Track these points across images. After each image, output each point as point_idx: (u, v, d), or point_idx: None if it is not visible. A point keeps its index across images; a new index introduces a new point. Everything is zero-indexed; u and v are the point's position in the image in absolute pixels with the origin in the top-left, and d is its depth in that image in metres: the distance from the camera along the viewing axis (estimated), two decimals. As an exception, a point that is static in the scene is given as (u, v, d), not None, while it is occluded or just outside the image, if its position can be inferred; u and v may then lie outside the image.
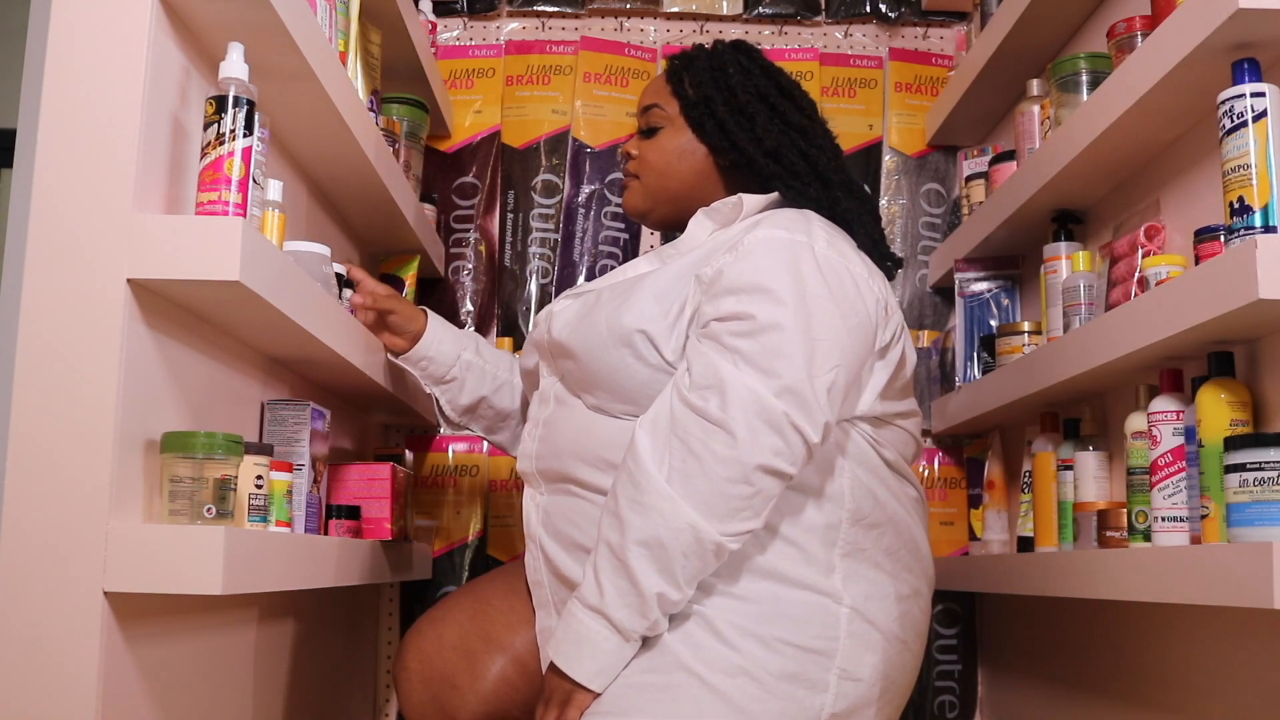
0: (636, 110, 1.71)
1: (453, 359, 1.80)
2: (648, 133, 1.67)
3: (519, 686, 1.64)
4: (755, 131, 1.58)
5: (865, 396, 1.46)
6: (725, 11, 2.53)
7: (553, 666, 1.39)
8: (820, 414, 1.34)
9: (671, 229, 1.70)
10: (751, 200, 1.54)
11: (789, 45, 2.52)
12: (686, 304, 1.45)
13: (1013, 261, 2.20)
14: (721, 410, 1.33)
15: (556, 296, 1.72)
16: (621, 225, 2.45)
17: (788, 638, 1.36)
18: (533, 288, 2.41)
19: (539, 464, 1.56)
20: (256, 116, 1.25)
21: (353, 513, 1.70)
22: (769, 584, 1.39)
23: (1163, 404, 1.43)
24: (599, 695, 1.36)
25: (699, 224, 1.58)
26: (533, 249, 2.43)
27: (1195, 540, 1.36)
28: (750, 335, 1.36)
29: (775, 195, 1.57)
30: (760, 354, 1.35)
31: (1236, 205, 1.26)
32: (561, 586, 1.50)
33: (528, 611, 1.63)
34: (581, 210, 2.45)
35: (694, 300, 1.45)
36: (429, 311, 1.81)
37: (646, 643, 1.38)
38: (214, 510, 1.19)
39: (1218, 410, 1.32)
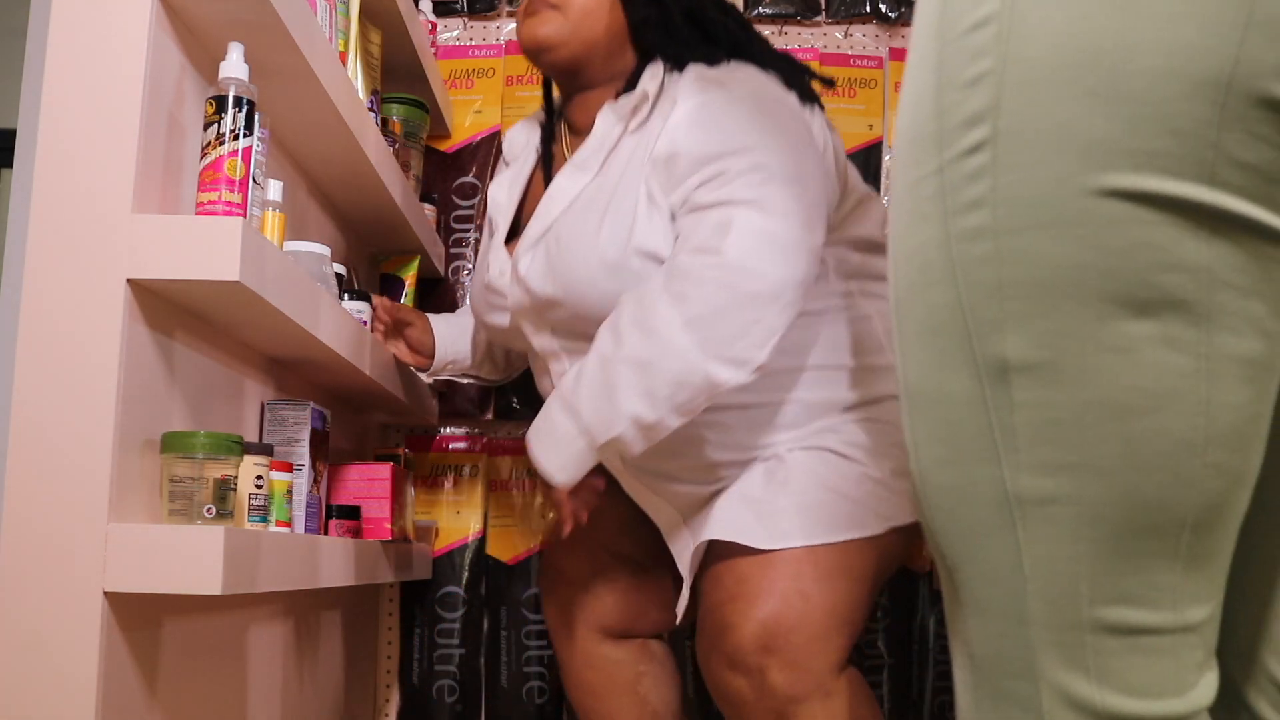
0: None
1: (468, 347, 1.88)
2: None
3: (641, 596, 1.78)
4: None
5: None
6: (725, 11, 2.53)
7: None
8: (816, 237, 1.42)
9: (563, 75, 1.67)
10: (651, 84, 1.56)
11: (789, 45, 2.52)
12: (650, 199, 1.48)
13: (1013, 261, 2.20)
14: (725, 248, 1.38)
15: (499, 254, 1.72)
16: (621, 225, 2.45)
17: (885, 443, 1.47)
18: (533, 288, 2.41)
19: None
20: (256, 116, 1.25)
21: (353, 513, 1.70)
22: (845, 410, 1.52)
23: (1163, 404, 1.43)
24: (564, 486, 1.47)
25: (606, 121, 1.58)
26: (533, 249, 2.42)
27: (1195, 540, 1.36)
28: (731, 181, 1.41)
29: (665, 66, 1.59)
30: (748, 194, 1.40)
31: (1236, 205, 1.26)
32: (662, 482, 1.60)
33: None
34: (581, 210, 2.45)
35: (659, 192, 1.47)
36: (427, 317, 1.87)
37: (788, 472, 1.49)
38: (214, 510, 1.19)
39: (1218, 410, 1.32)
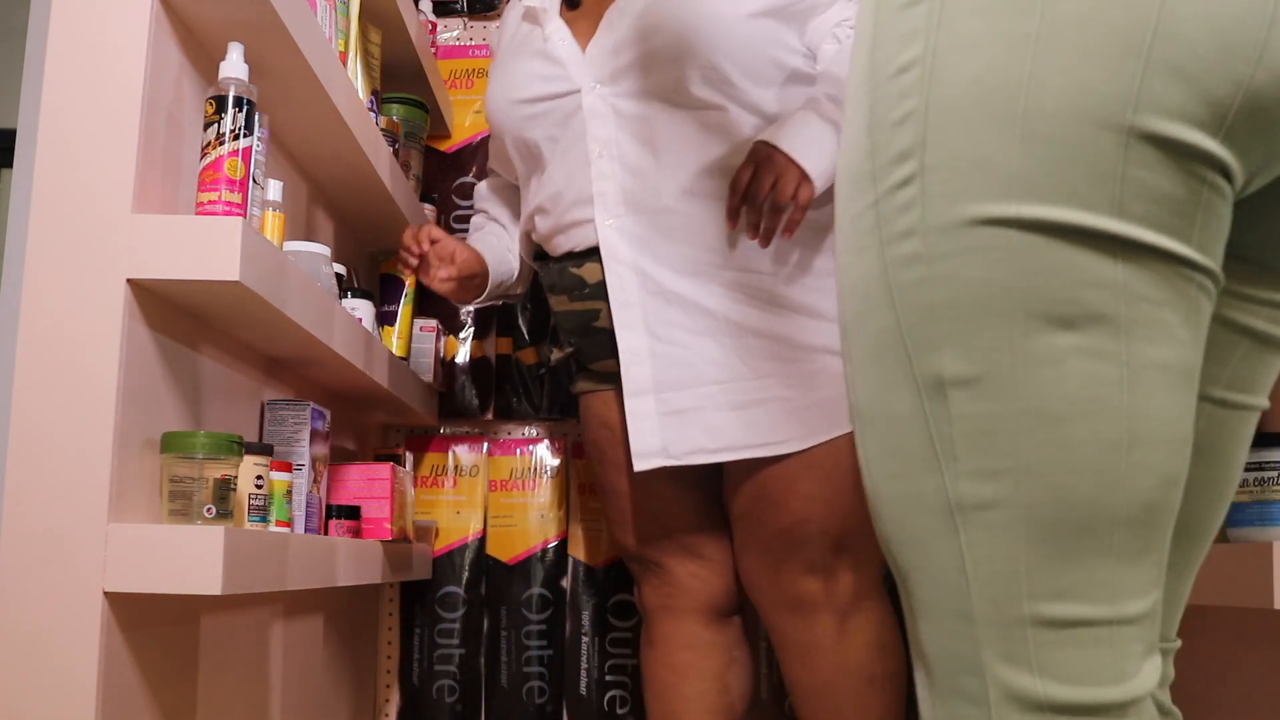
0: None
1: (512, 265, 1.88)
2: None
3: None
4: None
5: None
6: (725, 11, 2.52)
7: (774, 147, 1.49)
8: None
9: None
10: None
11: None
12: None
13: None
14: None
15: (556, 25, 1.72)
16: (621, 225, 2.44)
17: None
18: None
19: (635, 183, 1.61)
20: (256, 116, 1.25)
21: (353, 513, 1.70)
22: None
23: (1163, 404, 1.43)
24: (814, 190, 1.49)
25: None
26: (533, 249, 2.42)
27: (1195, 540, 1.36)
28: None
29: None
30: None
31: (1236, 205, 1.26)
32: (666, 305, 1.58)
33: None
34: (581, 210, 2.44)
35: None
36: (481, 255, 1.84)
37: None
38: (214, 510, 1.19)
39: (1218, 410, 1.32)
